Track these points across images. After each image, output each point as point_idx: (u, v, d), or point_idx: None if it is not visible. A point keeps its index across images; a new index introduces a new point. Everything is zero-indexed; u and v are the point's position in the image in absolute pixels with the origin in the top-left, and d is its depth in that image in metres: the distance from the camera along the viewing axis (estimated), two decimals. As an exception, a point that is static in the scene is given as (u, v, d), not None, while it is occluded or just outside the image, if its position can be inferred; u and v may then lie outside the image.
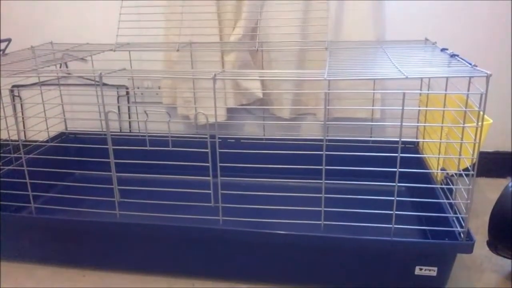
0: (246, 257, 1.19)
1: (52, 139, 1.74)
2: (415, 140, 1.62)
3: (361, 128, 1.65)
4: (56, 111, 1.78)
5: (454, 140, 1.22)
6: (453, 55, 1.20)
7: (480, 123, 0.98)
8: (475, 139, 1.01)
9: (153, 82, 1.81)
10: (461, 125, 1.08)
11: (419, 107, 1.55)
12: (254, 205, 1.18)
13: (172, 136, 1.17)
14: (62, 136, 1.81)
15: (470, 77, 1.03)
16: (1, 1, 1.84)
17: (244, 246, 1.18)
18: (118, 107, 1.87)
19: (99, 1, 1.76)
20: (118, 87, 1.84)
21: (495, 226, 1.12)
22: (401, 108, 0.99)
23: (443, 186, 1.27)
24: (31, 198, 1.28)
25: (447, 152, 1.34)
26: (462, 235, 1.07)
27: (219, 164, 1.13)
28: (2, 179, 1.38)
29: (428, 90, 1.45)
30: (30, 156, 1.53)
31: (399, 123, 1.01)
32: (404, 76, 0.98)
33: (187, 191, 1.18)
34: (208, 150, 1.12)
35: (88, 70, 1.57)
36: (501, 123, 1.71)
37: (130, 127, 1.90)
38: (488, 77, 0.95)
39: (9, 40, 1.55)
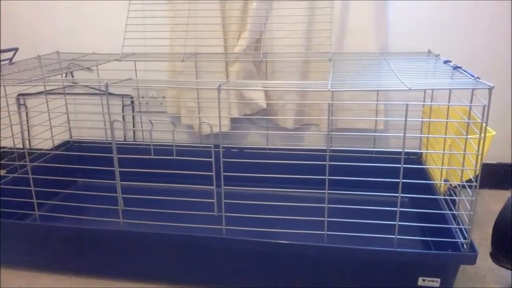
0: (249, 266, 1.19)
1: (57, 147, 1.75)
2: (418, 151, 1.63)
3: (364, 139, 1.66)
4: (61, 119, 1.79)
5: (457, 152, 1.23)
6: (456, 67, 1.21)
7: (483, 135, 0.99)
8: (478, 151, 1.01)
9: (158, 92, 1.82)
10: (464, 136, 1.08)
11: (422, 118, 1.56)
12: (257, 214, 1.19)
13: (176, 145, 1.18)
14: (67, 145, 1.82)
15: (473, 89, 1.04)
16: (9, 11, 1.86)
17: (247, 255, 1.18)
18: (123, 116, 1.88)
19: (106, 11, 1.78)
20: (123, 96, 1.85)
21: (498, 238, 1.12)
22: (404, 119, 1.00)
23: (446, 197, 1.27)
24: (35, 205, 1.29)
25: (450, 163, 1.34)
26: (465, 246, 1.07)
27: (222, 174, 1.13)
28: (7, 187, 1.39)
29: (431, 102, 1.46)
30: (35, 164, 1.53)
31: (402, 134, 1.01)
32: (407, 88, 0.99)
33: (190, 200, 1.19)
34: (212, 160, 1.12)
35: (94, 80, 1.58)
36: (503, 135, 1.71)
37: (134, 136, 1.92)
38: (490, 90, 0.96)
39: (16, 49, 1.57)
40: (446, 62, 1.32)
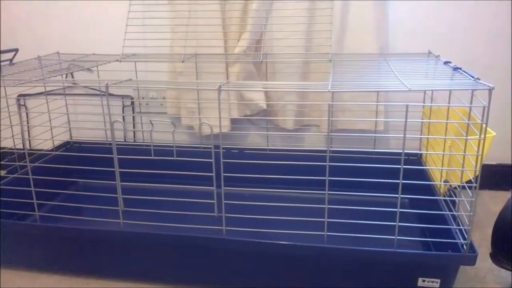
0: (249, 267, 1.19)
1: (57, 148, 1.75)
2: (418, 152, 1.63)
3: (364, 140, 1.66)
4: (62, 120, 1.79)
5: (457, 152, 1.23)
6: (456, 68, 1.21)
7: (483, 136, 0.99)
8: (478, 152, 1.01)
9: (158, 93, 1.83)
10: (464, 137, 1.08)
11: (422, 119, 1.56)
12: (257, 215, 1.19)
13: (176, 146, 1.18)
14: (67, 145, 1.82)
15: (473, 90, 1.04)
16: (9, 11, 1.86)
17: (247, 256, 1.18)
18: (123, 117, 1.88)
19: (106, 12, 1.78)
20: (123, 97, 1.85)
21: (498, 238, 1.12)
22: (404, 120, 1.00)
23: (446, 198, 1.27)
24: (35, 206, 1.29)
25: (450, 164, 1.34)
26: (465, 247, 1.07)
27: (222, 174, 1.13)
28: (7, 187, 1.39)
29: (431, 103, 1.46)
30: (35, 164, 1.53)
31: (402, 135, 1.02)
32: (407, 89, 0.99)
33: (191, 200, 1.19)
34: (212, 160, 1.12)
35: (94, 80, 1.59)
36: (503, 136, 1.71)
37: (134, 137, 1.92)
38: (490, 90, 0.96)
39: (16, 50, 1.57)
40: (446, 63, 1.32)
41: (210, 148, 1.11)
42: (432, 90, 1.41)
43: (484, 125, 0.98)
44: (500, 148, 1.72)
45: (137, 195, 1.25)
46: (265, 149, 1.72)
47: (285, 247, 1.12)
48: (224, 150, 1.16)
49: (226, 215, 1.16)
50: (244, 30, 1.63)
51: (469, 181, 1.09)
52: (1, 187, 1.39)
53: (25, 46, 1.79)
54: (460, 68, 1.20)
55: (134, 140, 1.91)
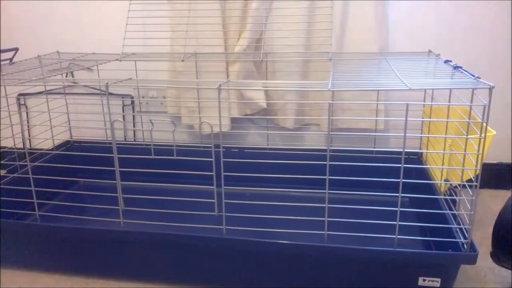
0: (249, 266, 1.19)
1: (57, 147, 1.75)
2: (418, 151, 1.63)
3: (364, 139, 1.66)
4: (62, 119, 1.79)
5: (457, 151, 1.23)
6: (456, 67, 1.21)
7: (483, 135, 0.99)
8: (478, 151, 1.01)
9: (158, 92, 1.82)
10: (465, 136, 1.08)
11: (422, 118, 1.56)
12: (257, 214, 1.19)
13: (176, 145, 1.18)
14: (67, 145, 1.82)
15: (473, 89, 1.04)
16: (9, 11, 1.86)
17: (247, 255, 1.18)
18: (123, 116, 1.88)
19: (106, 11, 1.78)
20: (123, 96, 1.85)
21: (498, 237, 1.12)
22: (404, 119, 1.00)
23: (447, 197, 1.27)
24: (35, 205, 1.29)
25: (451, 163, 1.34)
26: (465, 246, 1.06)
27: (223, 173, 1.13)
28: (7, 187, 1.39)
29: (432, 102, 1.46)
30: (35, 164, 1.53)
31: (403, 134, 1.01)
32: (408, 88, 0.99)
33: (191, 200, 1.19)
34: (212, 159, 1.12)
35: (94, 80, 1.59)
36: (503, 135, 1.71)
37: (134, 136, 1.92)
38: (491, 89, 0.96)
39: (16, 49, 1.57)
40: (446, 62, 1.32)
41: (210, 147, 1.11)
42: (433, 89, 1.40)
43: (484, 124, 0.98)
44: (501, 147, 1.72)
45: (138, 194, 1.25)
46: (265, 148, 1.72)
47: (286, 246, 1.12)
48: (224, 149, 1.15)
49: (226, 214, 1.16)
50: (244, 29, 1.63)
51: (470, 180, 1.08)
52: (1, 186, 1.39)
53: (25, 46, 1.79)
54: (461, 67, 1.20)
55: (134, 139, 1.91)
